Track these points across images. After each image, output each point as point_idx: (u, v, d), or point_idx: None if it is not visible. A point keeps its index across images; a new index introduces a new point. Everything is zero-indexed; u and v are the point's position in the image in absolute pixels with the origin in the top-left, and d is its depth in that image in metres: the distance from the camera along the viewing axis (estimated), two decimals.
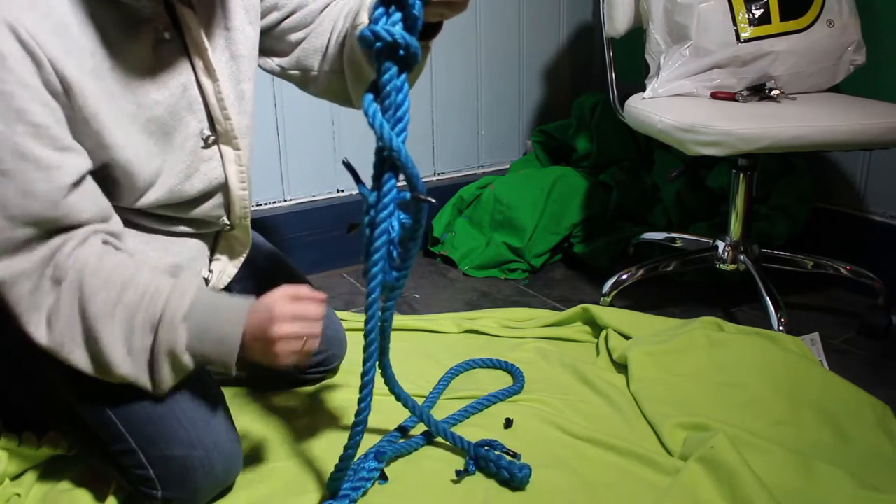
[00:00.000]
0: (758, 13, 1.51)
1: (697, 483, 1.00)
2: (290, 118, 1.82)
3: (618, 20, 1.62)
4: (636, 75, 1.70)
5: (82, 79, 0.83)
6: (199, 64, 0.97)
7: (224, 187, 1.06)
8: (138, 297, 0.88)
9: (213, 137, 1.02)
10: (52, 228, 0.85)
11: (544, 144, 2.21)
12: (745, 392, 1.22)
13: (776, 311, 1.42)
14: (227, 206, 1.08)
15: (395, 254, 0.90)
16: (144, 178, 0.94)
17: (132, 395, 0.96)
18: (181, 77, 0.96)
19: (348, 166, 0.92)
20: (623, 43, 1.68)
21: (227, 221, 1.09)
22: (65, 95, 0.83)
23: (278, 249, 1.36)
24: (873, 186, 1.74)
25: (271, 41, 1.11)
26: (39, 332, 0.87)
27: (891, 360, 1.46)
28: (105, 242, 0.90)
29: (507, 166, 2.25)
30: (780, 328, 1.40)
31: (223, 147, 1.04)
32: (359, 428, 0.96)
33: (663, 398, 1.22)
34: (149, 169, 0.94)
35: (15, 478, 1.06)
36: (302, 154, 1.92)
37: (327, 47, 1.09)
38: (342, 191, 2.00)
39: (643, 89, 1.57)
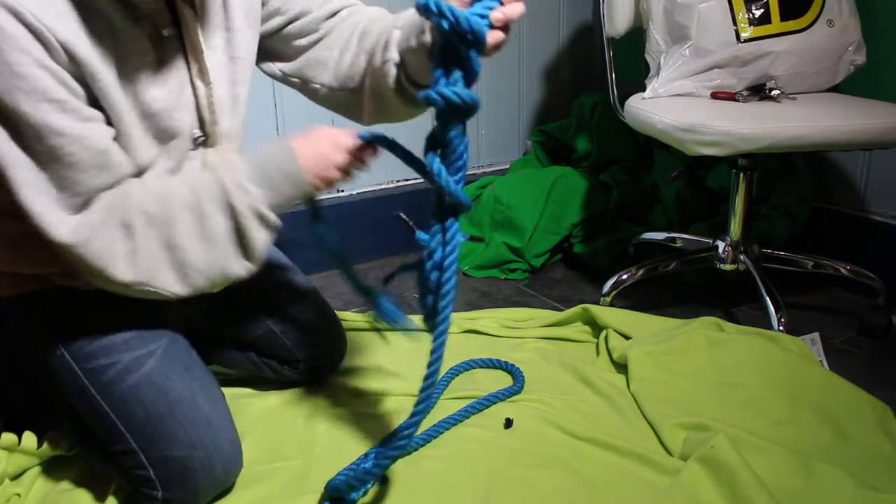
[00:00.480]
0: (758, 13, 1.51)
1: (697, 483, 1.00)
2: (290, 118, 1.82)
3: (618, 20, 1.62)
4: (636, 75, 1.70)
5: (92, 59, 0.83)
6: (193, 64, 0.97)
7: None
8: (192, 194, 0.90)
9: (202, 138, 1.01)
10: (109, 182, 0.87)
11: (544, 144, 2.21)
12: (745, 392, 1.22)
13: (776, 311, 1.42)
14: None
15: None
16: (139, 166, 0.94)
17: (133, 396, 0.96)
18: (179, 75, 0.96)
19: (404, 221, 0.95)
20: (623, 43, 1.68)
21: None
22: (80, 72, 0.83)
23: (277, 249, 1.36)
24: (873, 186, 1.74)
25: (274, 44, 1.10)
26: (126, 275, 0.88)
27: (891, 360, 1.46)
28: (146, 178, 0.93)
29: (507, 166, 2.25)
30: (780, 328, 1.40)
31: (209, 149, 1.03)
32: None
33: (663, 398, 1.22)
34: (145, 159, 0.94)
35: (15, 478, 1.06)
36: None
37: (337, 63, 1.08)
38: (342, 191, 2.00)
39: (643, 89, 1.57)
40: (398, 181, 2.08)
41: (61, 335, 0.98)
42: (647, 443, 1.13)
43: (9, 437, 1.05)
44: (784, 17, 1.52)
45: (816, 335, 1.41)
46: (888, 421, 1.17)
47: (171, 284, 0.90)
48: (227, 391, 1.13)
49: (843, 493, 0.99)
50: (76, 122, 0.83)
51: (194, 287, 0.92)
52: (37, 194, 0.83)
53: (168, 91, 0.95)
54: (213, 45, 0.99)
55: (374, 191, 2.04)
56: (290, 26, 1.08)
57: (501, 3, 0.87)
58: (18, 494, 1.04)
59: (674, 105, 1.47)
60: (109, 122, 0.88)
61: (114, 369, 0.96)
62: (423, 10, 0.82)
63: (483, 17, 0.85)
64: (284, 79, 1.13)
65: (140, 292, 0.90)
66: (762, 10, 1.51)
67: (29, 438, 1.06)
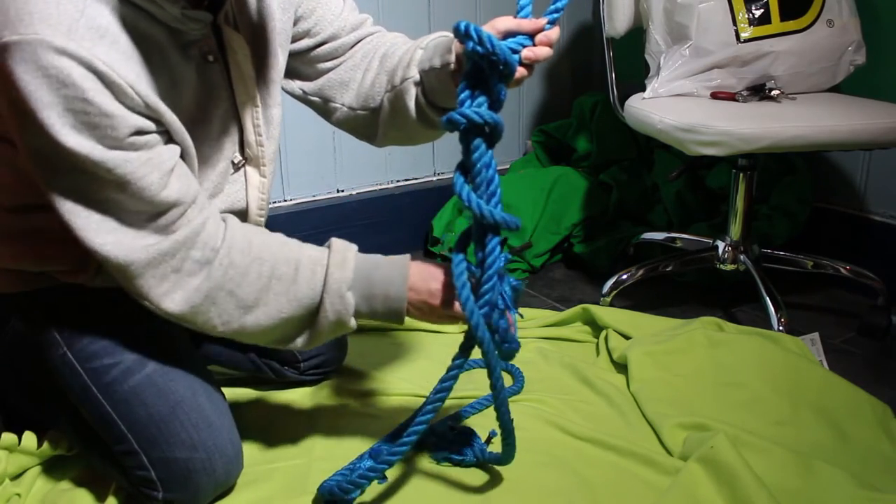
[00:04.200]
0: (758, 13, 1.51)
1: (697, 483, 1.00)
2: (290, 118, 1.82)
3: (618, 20, 1.62)
4: (636, 75, 1.70)
5: (152, 97, 0.83)
6: (241, 88, 0.97)
7: (243, 211, 1.05)
8: (292, 270, 0.91)
9: (242, 162, 1.01)
10: (182, 210, 0.86)
11: (544, 144, 2.21)
12: (745, 392, 1.22)
13: (776, 311, 1.42)
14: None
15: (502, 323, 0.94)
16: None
17: (134, 397, 0.96)
18: (220, 100, 0.96)
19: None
20: (623, 43, 1.68)
21: None
22: (152, 112, 0.82)
23: None
24: (873, 186, 1.74)
25: (298, 64, 1.09)
26: (178, 307, 0.88)
27: (891, 360, 1.46)
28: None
29: (507, 166, 2.24)
30: (780, 328, 1.40)
31: (250, 173, 1.03)
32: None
33: (663, 398, 1.22)
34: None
35: (15, 478, 1.06)
36: (302, 154, 1.92)
37: (359, 84, 1.08)
38: (342, 191, 2.00)
39: (643, 89, 1.57)
40: (398, 181, 2.08)
41: (64, 334, 0.98)
42: (647, 443, 1.13)
43: (9, 437, 1.05)
44: (784, 17, 1.52)
45: (816, 335, 1.41)
46: (888, 421, 1.17)
47: (216, 326, 0.92)
48: (227, 391, 1.13)
49: (843, 493, 0.99)
50: (146, 152, 0.82)
51: (232, 336, 0.94)
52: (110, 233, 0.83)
53: (209, 115, 0.94)
54: (252, 69, 0.98)
55: (374, 191, 2.04)
56: (318, 49, 1.08)
57: (533, 42, 0.90)
58: (18, 494, 1.04)
59: (674, 105, 1.47)
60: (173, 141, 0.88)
61: (116, 369, 0.96)
62: (462, 35, 0.84)
63: (515, 51, 0.87)
64: (304, 98, 1.13)
65: (178, 320, 0.90)
66: (762, 10, 1.51)
67: (29, 438, 1.06)
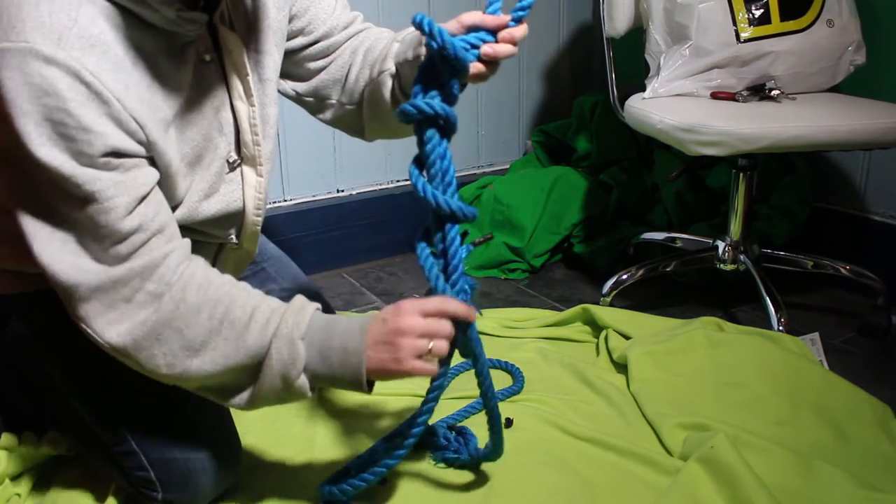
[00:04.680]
0: (758, 13, 1.51)
1: (697, 483, 1.00)
2: (290, 118, 1.82)
3: (618, 20, 1.62)
4: (636, 75, 1.70)
5: (143, 111, 0.81)
6: (237, 87, 0.96)
7: (240, 212, 1.03)
8: (246, 316, 0.86)
9: (238, 161, 1.00)
10: (143, 238, 0.82)
11: (544, 144, 2.21)
12: (745, 392, 1.22)
13: (776, 311, 1.42)
14: (238, 227, 1.06)
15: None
16: (177, 197, 0.92)
17: (134, 398, 0.96)
18: (216, 99, 0.94)
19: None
20: (623, 43, 1.68)
21: (234, 240, 1.07)
22: (138, 129, 0.81)
23: (277, 248, 1.36)
24: (873, 186, 1.74)
25: (291, 65, 1.09)
26: (120, 339, 0.83)
27: (891, 360, 1.46)
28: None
29: (507, 166, 2.25)
30: (780, 328, 1.40)
31: (246, 172, 1.01)
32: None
33: (663, 398, 1.22)
34: (181, 189, 0.92)
35: (15, 478, 1.06)
36: (302, 154, 1.92)
37: (345, 80, 1.08)
38: (342, 191, 2.00)
39: (643, 89, 1.57)
40: (398, 181, 2.08)
41: (64, 335, 0.98)
42: (647, 443, 1.14)
43: (9, 438, 1.05)
44: (784, 17, 1.52)
45: (816, 335, 1.41)
46: (888, 421, 1.17)
47: (159, 366, 0.86)
48: None
49: (843, 493, 0.99)
50: (120, 174, 0.80)
51: (184, 385, 0.89)
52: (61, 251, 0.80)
53: (203, 116, 0.93)
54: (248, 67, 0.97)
55: (374, 191, 2.04)
56: (310, 48, 1.08)
57: (495, 39, 0.89)
58: (18, 494, 1.04)
59: (674, 105, 1.47)
60: (154, 165, 0.86)
61: (115, 370, 0.96)
62: (417, 27, 0.85)
63: (475, 47, 0.87)
64: (298, 98, 1.12)
65: (119, 355, 0.86)
66: (762, 11, 1.51)
67: (29, 438, 1.06)
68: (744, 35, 1.51)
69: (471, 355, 0.94)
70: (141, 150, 0.82)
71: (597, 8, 2.02)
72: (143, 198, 0.82)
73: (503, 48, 0.89)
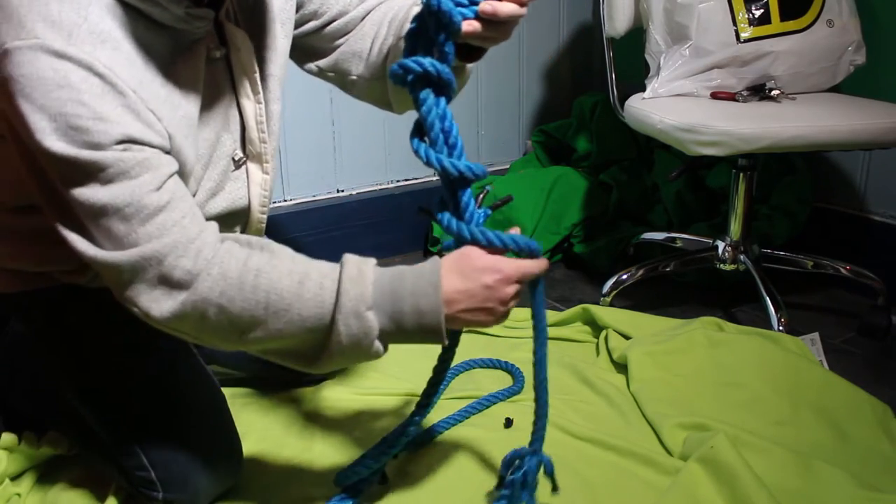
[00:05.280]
0: (758, 13, 1.51)
1: (697, 483, 1.00)
2: (289, 118, 1.82)
3: (618, 20, 1.62)
4: (636, 75, 1.70)
5: (158, 106, 0.81)
6: (245, 84, 0.95)
7: (245, 209, 1.02)
8: (294, 285, 0.81)
9: (243, 158, 0.99)
10: (170, 217, 0.80)
11: (544, 144, 2.21)
12: (745, 392, 1.22)
13: (776, 311, 1.42)
14: (244, 225, 1.05)
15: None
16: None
17: (134, 398, 0.96)
18: (224, 96, 0.94)
19: (426, 212, 0.91)
20: (623, 43, 1.68)
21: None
22: (156, 120, 0.80)
23: None
24: (873, 186, 1.74)
25: (310, 43, 1.08)
26: (164, 316, 0.81)
27: (891, 360, 1.46)
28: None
29: (507, 166, 2.25)
30: (780, 328, 1.40)
31: (252, 169, 1.00)
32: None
33: (663, 398, 1.22)
34: (191, 189, 0.91)
35: (15, 478, 1.06)
36: (302, 154, 1.92)
37: (369, 53, 1.07)
38: (342, 191, 2.00)
39: (643, 89, 1.57)
40: (398, 181, 2.08)
41: (64, 334, 0.98)
42: (647, 443, 1.14)
43: (9, 438, 1.05)
44: (784, 17, 1.52)
45: (816, 335, 1.41)
46: (888, 421, 1.17)
47: (213, 342, 0.84)
48: (227, 391, 1.13)
49: (843, 493, 0.99)
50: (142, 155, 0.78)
51: (239, 348, 0.85)
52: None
53: (213, 112, 0.93)
54: (255, 64, 0.97)
55: (374, 191, 2.04)
56: (327, 28, 1.06)
57: None
58: (18, 494, 1.04)
59: (674, 105, 1.47)
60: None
61: (115, 370, 0.96)
62: None
63: (474, 3, 0.81)
64: (321, 73, 1.11)
65: (173, 332, 0.84)
66: (762, 11, 1.51)
67: (29, 438, 1.06)
68: (744, 35, 1.51)
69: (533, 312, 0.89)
70: (160, 141, 0.81)
71: (597, 8, 2.02)
72: (168, 176, 0.81)
73: (505, 6, 0.81)
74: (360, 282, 0.81)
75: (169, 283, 0.80)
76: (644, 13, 1.60)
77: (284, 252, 0.85)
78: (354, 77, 1.09)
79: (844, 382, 1.22)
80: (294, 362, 0.86)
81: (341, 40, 1.08)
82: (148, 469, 0.96)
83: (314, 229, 1.92)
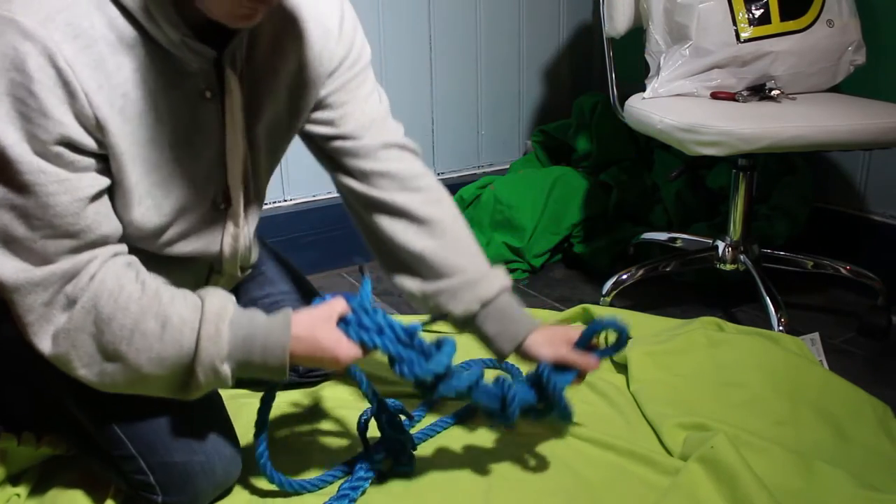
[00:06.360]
0: (758, 13, 1.51)
1: (697, 483, 1.00)
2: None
3: (618, 20, 1.62)
4: (636, 75, 1.70)
5: (112, 116, 0.80)
6: (232, 132, 0.93)
7: (217, 256, 1.02)
8: (158, 327, 0.85)
9: (223, 206, 0.98)
10: (75, 244, 0.81)
11: (544, 144, 2.21)
12: (745, 392, 1.22)
13: (776, 311, 1.42)
14: (219, 270, 1.05)
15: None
16: (146, 231, 0.90)
17: (133, 402, 0.96)
18: (212, 141, 0.92)
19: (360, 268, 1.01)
20: (623, 43, 1.68)
21: (215, 269, 1.05)
22: (96, 129, 0.80)
23: (279, 251, 1.36)
24: (873, 186, 1.74)
25: (317, 140, 1.10)
26: (44, 344, 0.84)
27: (891, 360, 1.46)
28: (129, 265, 0.87)
29: (507, 166, 2.25)
30: (780, 328, 1.40)
31: (229, 219, 0.99)
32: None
33: (663, 398, 1.22)
34: (151, 224, 0.90)
35: (15, 478, 1.06)
36: (302, 154, 1.91)
37: (371, 200, 1.10)
38: None
39: (643, 89, 1.57)
40: None
41: None
42: (647, 443, 1.13)
43: (8, 438, 1.05)
44: (784, 17, 1.52)
45: (816, 335, 1.41)
46: (888, 421, 1.17)
47: (86, 378, 0.86)
48: (225, 393, 1.13)
49: (843, 493, 0.99)
50: (67, 171, 0.79)
51: (104, 386, 0.88)
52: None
53: (195, 153, 0.90)
54: (249, 115, 0.95)
55: None
56: (337, 141, 1.06)
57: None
58: (18, 494, 1.04)
59: (674, 105, 1.47)
60: (108, 172, 0.84)
61: None
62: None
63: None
64: (311, 151, 1.16)
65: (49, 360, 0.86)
66: (762, 11, 1.51)
67: (28, 439, 1.06)
68: (744, 35, 1.51)
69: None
70: (96, 148, 0.80)
71: (597, 8, 2.03)
72: (88, 199, 0.81)
73: (592, 365, 1.07)
74: (217, 341, 0.86)
75: (48, 308, 0.82)
76: (644, 13, 1.60)
77: (155, 292, 0.87)
78: (345, 183, 1.11)
79: (844, 382, 1.22)
80: (165, 392, 0.91)
81: (350, 161, 1.08)
82: (147, 473, 0.96)
83: (314, 229, 1.92)
